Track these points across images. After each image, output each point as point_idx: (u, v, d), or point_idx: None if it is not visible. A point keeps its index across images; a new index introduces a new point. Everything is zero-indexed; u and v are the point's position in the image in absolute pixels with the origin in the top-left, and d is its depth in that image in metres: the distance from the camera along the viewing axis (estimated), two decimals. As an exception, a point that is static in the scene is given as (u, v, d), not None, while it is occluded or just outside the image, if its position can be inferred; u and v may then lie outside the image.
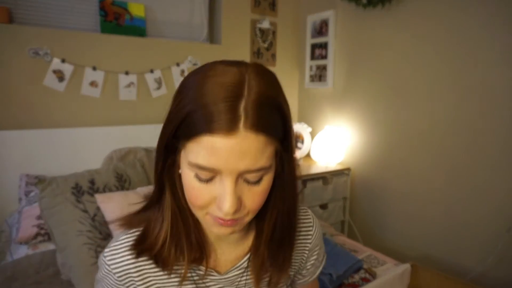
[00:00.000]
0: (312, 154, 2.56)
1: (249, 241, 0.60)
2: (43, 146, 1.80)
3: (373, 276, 1.42)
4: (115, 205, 1.30)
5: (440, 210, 1.96)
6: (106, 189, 1.39)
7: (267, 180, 0.48)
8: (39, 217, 1.46)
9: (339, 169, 2.39)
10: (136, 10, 2.12)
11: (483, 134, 1.75)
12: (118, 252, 0.55)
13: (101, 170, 1.47)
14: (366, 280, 1.38)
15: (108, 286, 0.56)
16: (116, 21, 2.06)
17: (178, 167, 0.50)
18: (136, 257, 0.55)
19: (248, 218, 0.50)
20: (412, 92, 2.06)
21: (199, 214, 0.50)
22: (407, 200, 2.14)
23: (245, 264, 0.59)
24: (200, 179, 0.45)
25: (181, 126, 0.45)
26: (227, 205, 0.44)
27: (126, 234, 0.57)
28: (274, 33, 2.70)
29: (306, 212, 0.67)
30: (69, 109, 1.94)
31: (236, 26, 2.51)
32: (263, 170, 0.45)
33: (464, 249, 1.86)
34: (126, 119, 2.11)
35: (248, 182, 0.46)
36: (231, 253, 0.59)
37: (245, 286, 0.60)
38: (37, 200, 1.34)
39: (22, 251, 1.41)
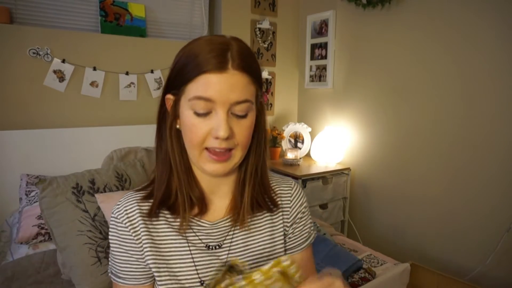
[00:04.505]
0: (312, 154, 2.56)
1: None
2: (44, 146, 1.81)
3: (373, 275, 1.42)
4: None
5: (439, 209, 1.97)
6: (106, 189, 1.39)
7: (251, 117, 0.59)
8: (39, 217, 1.46)
9: (339, 169, 2.39)
10: (136, 10, 2.12)
11: (483, 133, 1.76)
12: (124, 203, 0.64)
13: (102, 170, 1.47)
14: (365, 280, 1.38)
15: (118, 238, 0.62)
16: (116, 21, 2.06)
17: (177, 120, 0.60)
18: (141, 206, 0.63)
19: (237, 155, 0.59)
20: (412, 92, 2.06)
21: (196, 152, 0.58)
22: (406, 200, 2.14)
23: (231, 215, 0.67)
24: (198, 114, 0.56)
25: (181, 73, 0.57)
26: (221, 131, 0.54)
27: (133, 191, 0.66)
28: (274, 33, 2.71)
29: (288, 179, 0.75)
30: (70, 109, 1.94)
31: (236, 26, 2.51)
32: (248, 102, 0.57)
33: (464, 248, 1.87)
34: (126, 119, 2.11)
35: (236, 116, 0.56)
36: (220, 206, 0.67)
37: (233, 233, 0.66)
38: (37, 200, 1.34)
39: (22, 251, 1.42)
